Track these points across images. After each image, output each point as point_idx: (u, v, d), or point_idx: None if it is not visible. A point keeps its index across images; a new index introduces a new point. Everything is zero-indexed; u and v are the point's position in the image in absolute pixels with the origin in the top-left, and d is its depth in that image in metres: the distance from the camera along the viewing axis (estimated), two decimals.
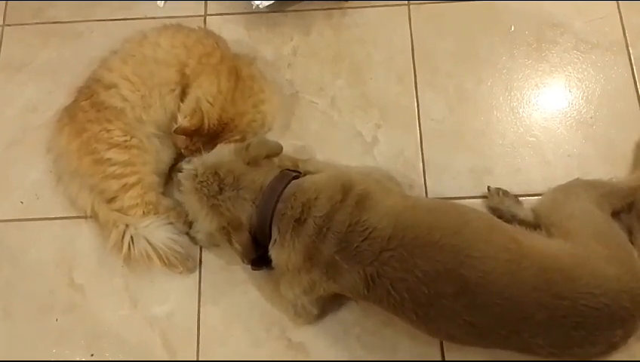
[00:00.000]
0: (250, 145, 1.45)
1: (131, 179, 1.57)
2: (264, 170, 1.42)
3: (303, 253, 1.33)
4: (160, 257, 1.56)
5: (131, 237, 1.55)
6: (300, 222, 1.33)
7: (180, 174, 1.49)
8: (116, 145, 1.57)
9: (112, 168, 1.56)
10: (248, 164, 1.42)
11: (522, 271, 1.24)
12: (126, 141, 1.58)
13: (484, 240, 1.28)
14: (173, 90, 1.61)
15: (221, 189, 1.39)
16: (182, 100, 1.61)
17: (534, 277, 1.23)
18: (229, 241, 1.40)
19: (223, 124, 1.59)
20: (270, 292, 1.53)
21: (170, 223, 1.59)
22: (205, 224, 1.44)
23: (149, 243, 1.55)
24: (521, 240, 1.29)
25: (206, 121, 1.55)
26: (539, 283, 1.23)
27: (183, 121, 1.54)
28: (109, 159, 1.57)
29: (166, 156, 1.66)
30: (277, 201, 1.36)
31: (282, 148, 1.52)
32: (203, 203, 1.41)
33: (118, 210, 1.58)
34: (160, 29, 1.69)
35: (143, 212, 1.57)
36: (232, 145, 1.50)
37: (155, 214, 1.58)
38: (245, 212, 1.38)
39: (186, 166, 1.49)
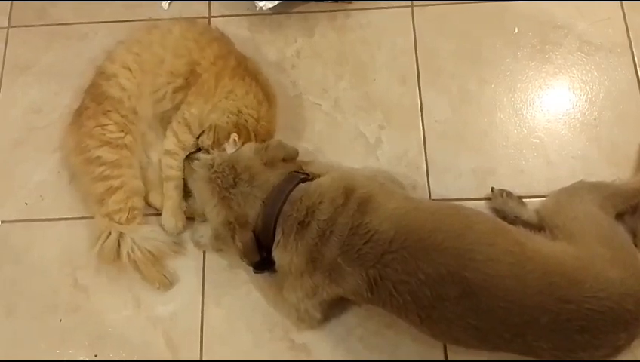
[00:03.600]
0: (269, 146, 1.47)
1: (115, 183, 1.56)
2: (278, 172, 1.43)
3: (305, 256, 1.34)
4: (137, 268, 1.56)
5: (118, 243, 1.55)
6: (303, 224, 1.33)
7: (195, 162, 1.50)
8: (108, 143, 1.57)
9: (100, 169, 1.56)
10: (265, 164, 1.44)
11: (526, 274, 1.23)
12: (119, 138, 1.57)
13: (488, 243, 1.27)
14: (173, 82, 1.60)
15: (236, 183, 1.40)
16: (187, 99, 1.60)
17: (538, 280, 1.23)
18: (232, 237, 1.41)
19: (269, 135, 1.61)
20: (273, 295, 1.53)
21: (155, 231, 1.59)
22: (212, 215, 1.44)
23: (138, 251, 1.55)
24: (524, 243, 1.29)
25: (252, 137, 1.57)
26: (543, 287, 1.22)
27: (232, 142, 1.54)
28: (98, 158, 1.56)
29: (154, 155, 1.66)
30: (283, 203, 1.36)
31: (298, 153, 1.53)
32: (215, 193, 1.42)
33: (107, 215, 1.57)
34: (174, 20, 1.69)
35: (127, 217, 1.56)
36: (252, 144, 1.51)
37: (140, 219, 1.58)
38: (254, 209, 1.39)
39: (203, 156, 1.50)
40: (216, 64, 1.61)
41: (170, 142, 1.62)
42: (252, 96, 1.60)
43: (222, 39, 1.69)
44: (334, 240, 1.31)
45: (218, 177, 1.41)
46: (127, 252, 1.54)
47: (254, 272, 1.51)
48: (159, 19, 1.88)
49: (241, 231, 1.39)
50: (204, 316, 1.57)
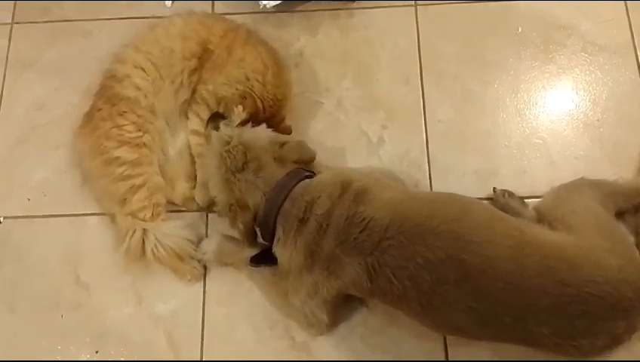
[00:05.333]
0: (286, 145, 1.47)
1: (138, 181, 1.56)
2: (286, 170, 1.43)
3: (304, 251, 1.35)
4: (164, 264, 1.57)
5: (143, 241, 1.55)
6: (303, 221, 1.35)
7: (215, 133, 1.50)
8: (127, 143, 1.56)
9: (121, 169, 1.56)
10: (275, 159, 1.44)
11: (525, 257, 1.24)
12: (138, 138, 1.57)
13: (486, 226, 1.28)
14: (187, 66, 1.60)
15: (243, 169, 1.41)
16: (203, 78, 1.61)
17: (538, 263, 1.23)
18: (234, 219, 1.42)
19: (278, 101, 1.60)
20: (280, 301, 1.52)
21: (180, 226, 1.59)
22: (214, 191, 1.47)
23: (161, 248, 1.54)
24: (523, 230, 1.30)
25: (260, 104, 1.56)
26: (542, 270, 1.23)
27: (237, 114, 1.54)
28: (117, 158, 1.56)
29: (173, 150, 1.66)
30: (284, 199, 1.37)
31: (315, 157, 1.52)
32: (221, 171, 1.43)
33: (130, 214, 1.56)
34: (173, 15, 1.71)
35: (152, 214, 1.57)
36: (272, 135, 1.51)
37: (164, 215, 1.59)
38: (253, 199, 1.40)
39: (224, 129, 1.50)
40: (227, 37, 1.63)
41: (194, 123, 1.63)
42: (260, 61, 1.60)
43: (227, 19, 1.70)
44: (331, 232, 1.32)
45: (229, 156, 1.42)
46: (152, 249, 1.54)
47: (250, 266, 1.52)
48: (162, 17, 1.88)
49: (243, 213, 1.41)
50: (205, 314, 1.57)
